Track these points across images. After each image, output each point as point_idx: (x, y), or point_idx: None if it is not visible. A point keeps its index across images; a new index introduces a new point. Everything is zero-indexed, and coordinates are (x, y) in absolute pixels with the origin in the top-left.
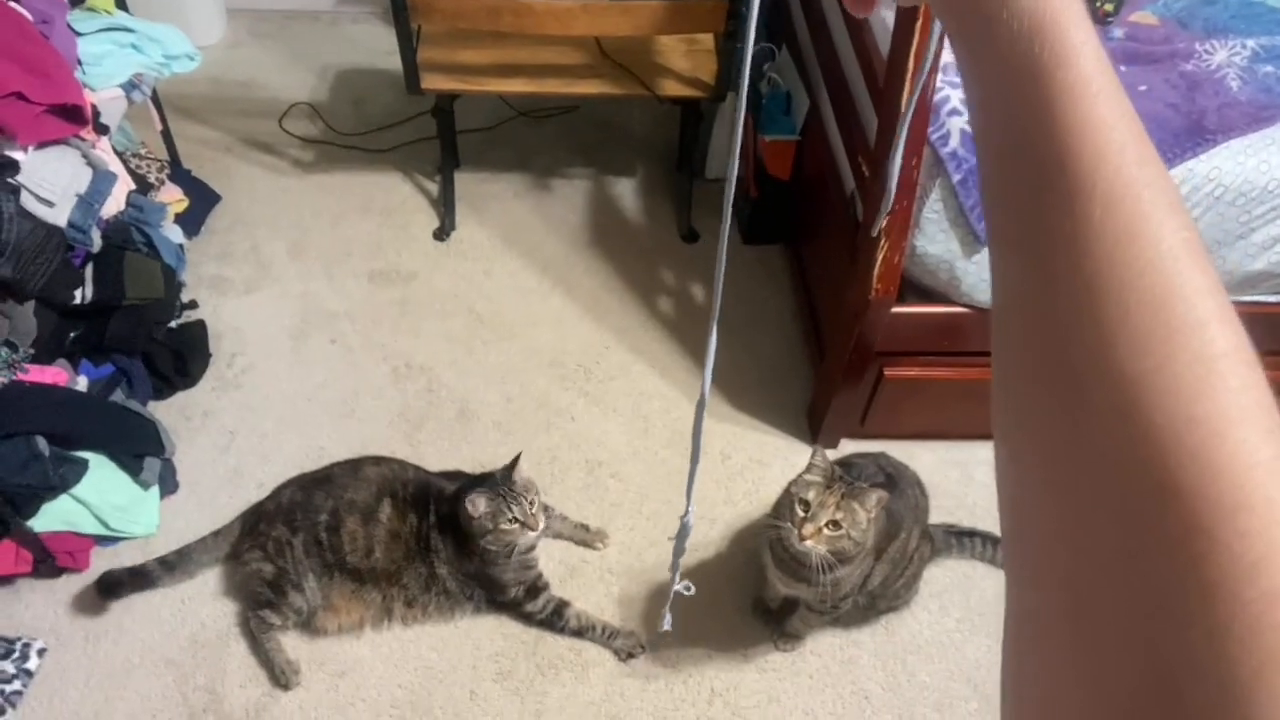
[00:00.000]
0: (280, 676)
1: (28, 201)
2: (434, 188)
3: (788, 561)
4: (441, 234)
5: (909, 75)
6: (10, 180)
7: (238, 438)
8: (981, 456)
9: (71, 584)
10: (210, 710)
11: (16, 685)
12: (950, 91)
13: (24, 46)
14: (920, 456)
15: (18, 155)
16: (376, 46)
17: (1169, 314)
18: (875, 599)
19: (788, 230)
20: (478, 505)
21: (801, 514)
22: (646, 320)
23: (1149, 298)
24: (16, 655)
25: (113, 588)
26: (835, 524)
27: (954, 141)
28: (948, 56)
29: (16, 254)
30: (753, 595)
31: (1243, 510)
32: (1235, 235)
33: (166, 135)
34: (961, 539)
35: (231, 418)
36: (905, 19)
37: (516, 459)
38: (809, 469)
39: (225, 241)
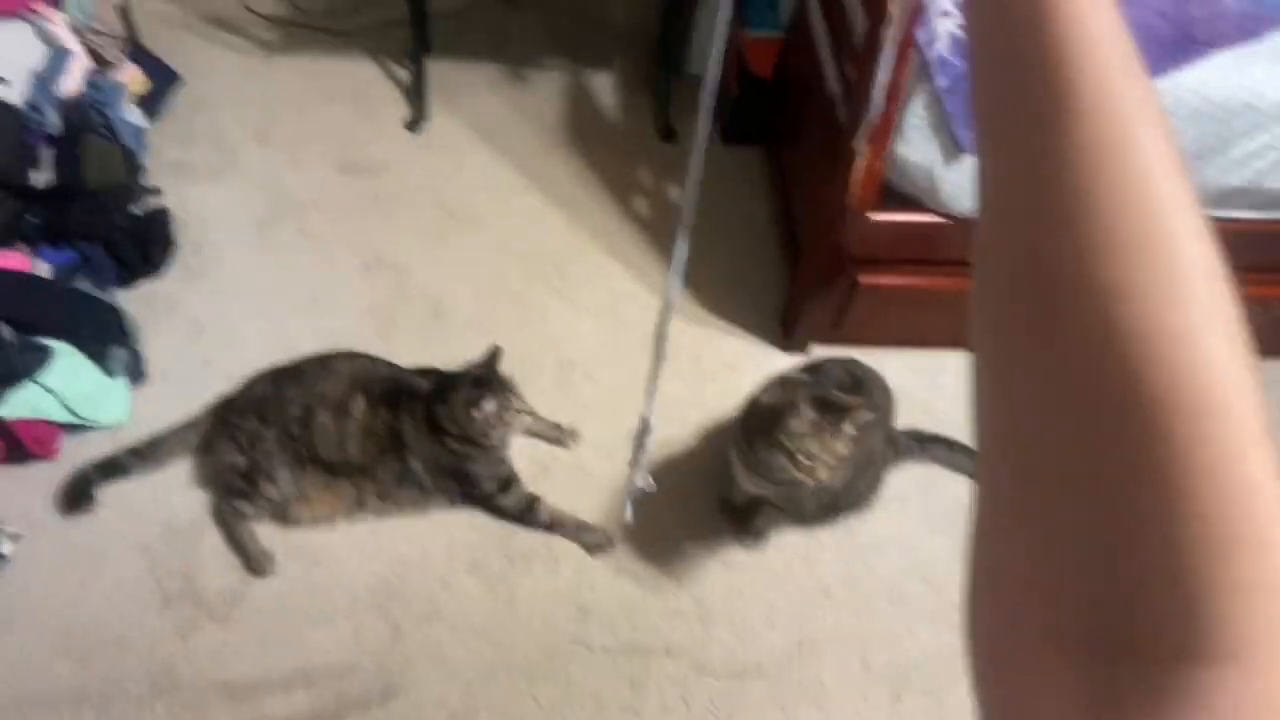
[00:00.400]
0: (255, 564)
1: None
2: (405, 74)
3: (757, 466)
4: (413, 125)
5: None
6: None
7: (206, 329)
8: (949, 365)
9: (42, 471)
10: (185, 596)
11: None
12: None
13: None
14: (889, 363)
15: None
16: None
17: (1146, 226)
18: (838, 499)
19: (768, 131)
20: (485, 408)
21: (807, 462)
22: (622, 220)
23: (1127, 210)
24: None
25: (83, 489)
26: (839, 457)
27: (941, 45)
28: None
29: None
30: (719, 494)
31: (1203, 416)
32: (1214, 150)
33: (124, 10)
34: (925, 444)
35: (199, 308)
36: None
37: (496, 354)
38: (797, 416)
39: (187, 125)
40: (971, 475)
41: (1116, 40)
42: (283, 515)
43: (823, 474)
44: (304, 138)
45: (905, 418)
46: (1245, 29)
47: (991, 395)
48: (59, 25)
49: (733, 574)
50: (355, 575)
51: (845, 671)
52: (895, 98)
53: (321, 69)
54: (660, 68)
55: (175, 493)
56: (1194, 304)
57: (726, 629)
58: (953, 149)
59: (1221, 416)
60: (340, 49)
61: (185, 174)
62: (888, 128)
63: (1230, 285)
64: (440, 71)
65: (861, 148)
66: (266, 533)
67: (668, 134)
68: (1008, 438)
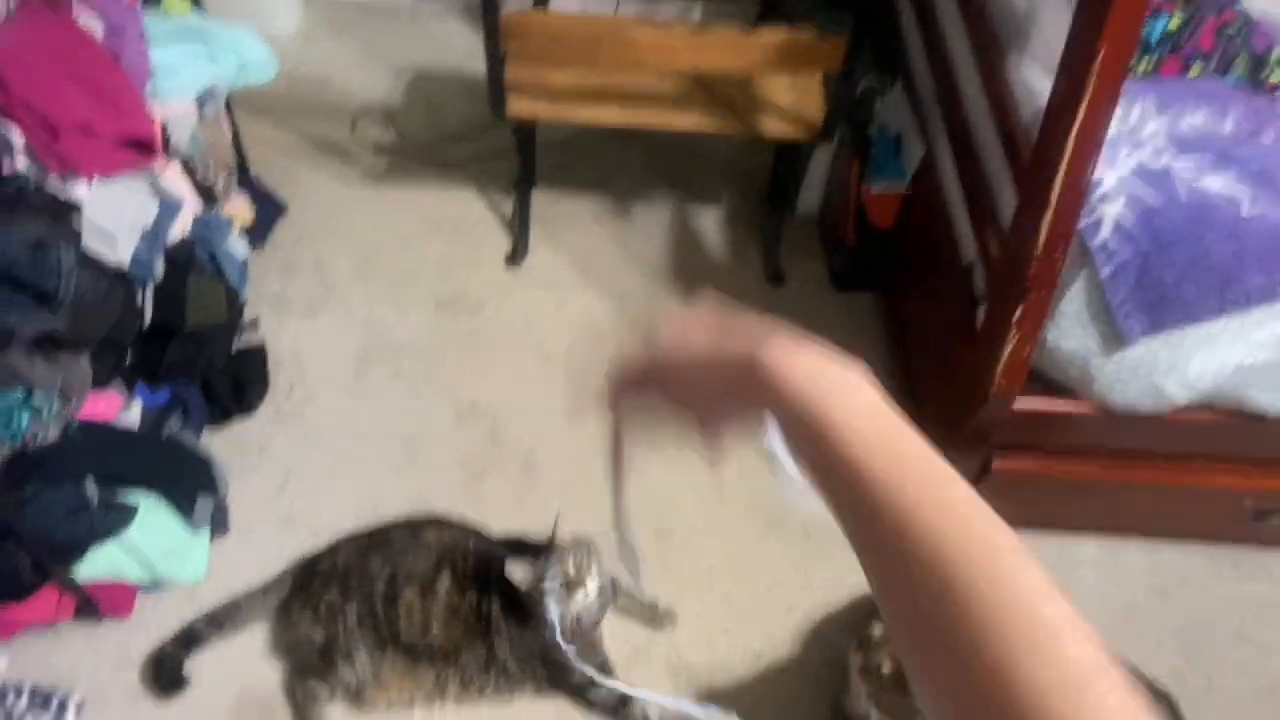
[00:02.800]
0: None
1: (89, 241)
2: (508, 206)
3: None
4: (514, 258)
5: (1065, 159)
6: (73, 226)
7: (293, 477)
8: (1083, 555)
9: (114, 632)
10: None
11: None
12: (1105, 172)
13: (93, 70)
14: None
15: (80, 192)
16: (456, 45)
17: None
18: None
19: (884, 279)
20: (514, 574)
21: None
22: None
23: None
24: (54, 708)
25: (171, 675)
26: None
27: (1106, 231)
28: (1115, 127)
29: (75, 309)
30: (833, 699)
31: None
32: None
33: (236, 141)
34: None
35: (288, 454)
36: (1064, 86)
37: (555, 522)
38: None
39: (289, 256)
40: None
41: (878, 462)
42: (358, 699)
43: None
44: (404, 272)
45: None
46: None
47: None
48: (172, 174)
49: None
50: None
51: None
52: (1051, 285)
53: (425, 201)
54: (770, 207)
55: (251, 662)
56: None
57: None
58: (1112, 339)
59: None
60: (444, 178)
61: (283, 308)
62: (1042, 314)
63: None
64: (543, 203)
65: (1010, 330)
66: (339, 717)
67: (776, 277)
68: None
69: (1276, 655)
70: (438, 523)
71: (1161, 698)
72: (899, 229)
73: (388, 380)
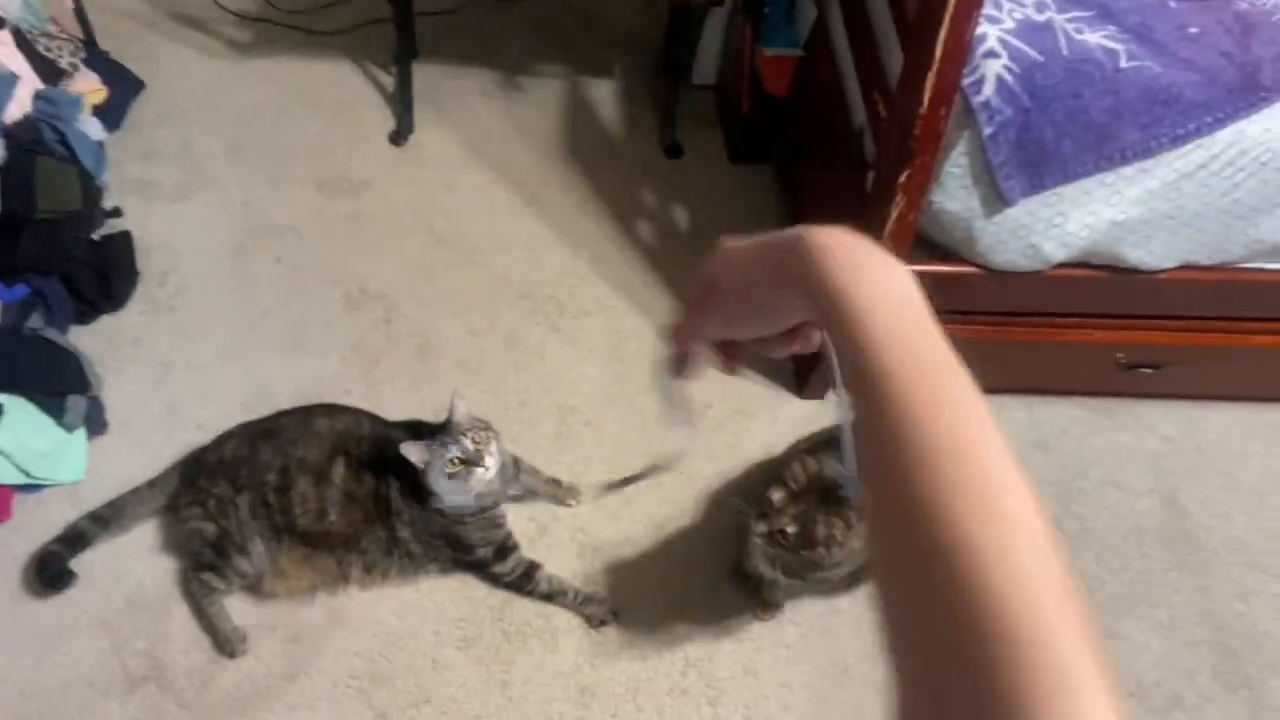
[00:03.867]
0: (225, 644)
1: None
2: (388, 81)
3: (785, 567)
4: (398, 137)
5: (947, 14)
6: None
7: (173, 370)
8: None
9: None
10: (151, 678)
11: None
12: (988, 28)
13: None
14: None
15: None
16: None
17: (968, 469)
18: (859, 570)
19: (780, 149)
20: (411, 455)
21: (841, 554)
22: (625, 246)
23: (947, 452)
24: None
25: (55, 571)
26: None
27: (988, 89)
28: None
29: None
30: (732, 559)
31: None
32: (1275, 204)
33: (80, 10)
34: None
35: (165, 346)
36: None
37: (452, 403)
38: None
39: (151, 137)
40: None
41: (898, 359)
42: (257, 589)
43: (859, 553)
44: (280, 152)
45: None
46: None
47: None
48: (4, 44)
49: (744, 649)
50: (337, 655)
51: None
52: (935, 146)
53: (298, 74)
54: (666, 77)
55: (140, 560)
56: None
57: (737, 711)
58: (994, 201)
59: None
60: (319, 51)
61: (149, 193)
62: (927, 176)
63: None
64: (427, 77)
65: (896, 194)
66: (240, 606)
67: (673, 150)
68: (894, 645)
69: (1143, 498)
70: (330, 409)
71: None
72: (794, 97)
73: (269, 265)
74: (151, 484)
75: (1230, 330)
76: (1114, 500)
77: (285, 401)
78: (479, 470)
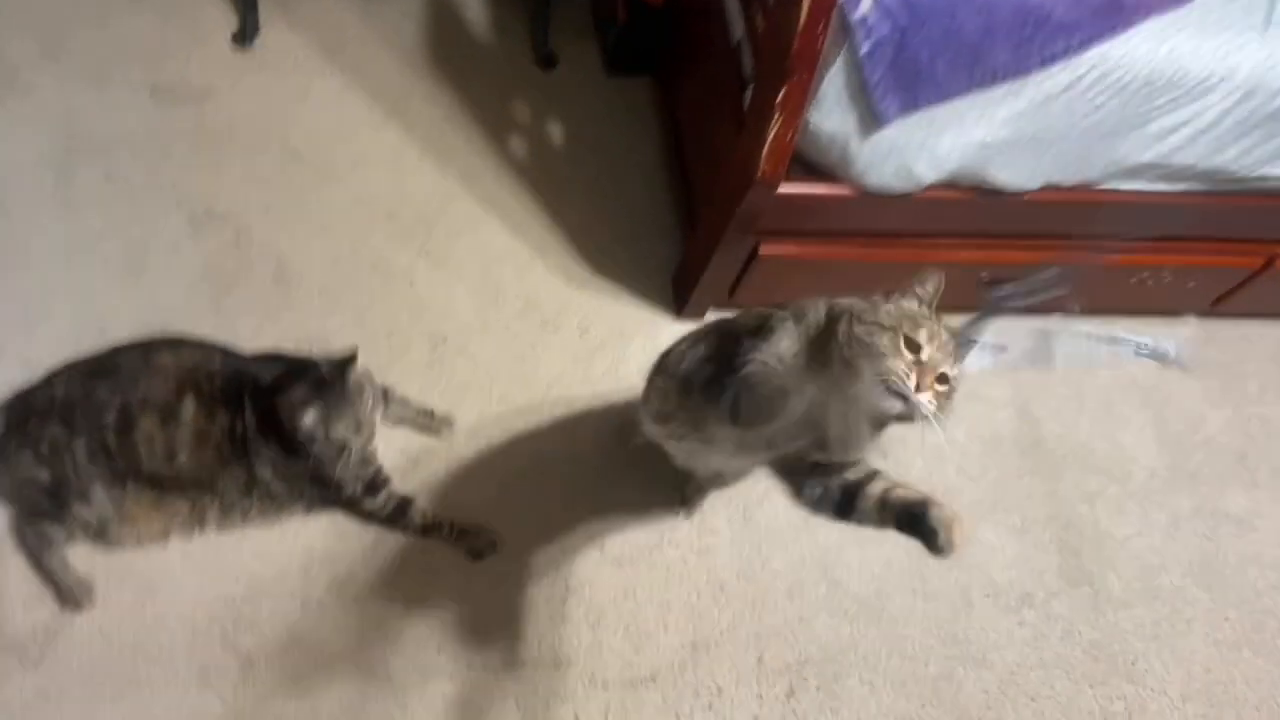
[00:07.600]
0: (69, 596)
1: None
2: None
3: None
4: (242, 37)
5: None
6: None
7: None
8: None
9: None
10: None
11: None
12: None
13: None
14: None
15: None
16: None
17: None
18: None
19: (658, 61)
20: (305, 419)
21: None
22: (497, 164)
23: None
24: None
25: None
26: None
27: (865, 6)
28: None
29: None
30: (670, 476)
31: None
32: (1132, 126)
33: None
34: None
35: None
36: None
37: (351, 360)
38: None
39: None
40: None
41: None
42: (103, 536)
43: None
44: (106, 54)
45: None
46: None
47: None
48: None
49: (624, 573)
50: (196, 602)
51: (741, 671)
52: (812, 64)
53: None
54: None
55: None
56: None
57: (619, 634)
58: (870, 121)
59: None
60: None
61: None
62: (803, 95)
63: None
64: None
65: (773, 113)
66: (85, 554)
67: (547, 60)
68: None
69: (1002, 409)
70: (175, 343)
71: None
72: (672, 8)
73: (99, 183)
74: None
75: (1084, 248)
76: (975, 412)
77: (125, 334)
78: (347, 406)
